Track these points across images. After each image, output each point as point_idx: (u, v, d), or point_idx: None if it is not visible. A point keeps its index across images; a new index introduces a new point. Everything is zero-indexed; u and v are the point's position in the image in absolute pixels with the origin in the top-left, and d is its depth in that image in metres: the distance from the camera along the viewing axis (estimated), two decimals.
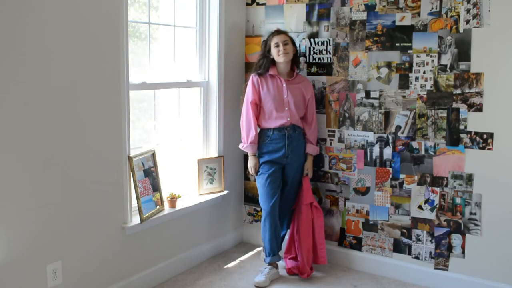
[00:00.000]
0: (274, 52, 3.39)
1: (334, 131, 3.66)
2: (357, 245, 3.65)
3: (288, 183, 3.51)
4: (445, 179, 3.28)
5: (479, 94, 3.11)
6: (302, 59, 3.72)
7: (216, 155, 3.82)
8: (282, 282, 3.45)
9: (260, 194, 3.50)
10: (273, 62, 3.45)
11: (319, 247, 3.51)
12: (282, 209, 3.55)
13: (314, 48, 3.68)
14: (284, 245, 3.67)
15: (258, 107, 3.46)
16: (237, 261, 3.80)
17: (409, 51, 3.32)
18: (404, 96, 3.37)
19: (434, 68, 3.25)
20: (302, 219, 3.48)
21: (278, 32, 3.43)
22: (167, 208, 3.40)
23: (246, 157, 4.10)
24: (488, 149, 3.12)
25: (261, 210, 4.06)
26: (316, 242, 3.51)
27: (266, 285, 3.35)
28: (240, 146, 3.52)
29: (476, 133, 3.15)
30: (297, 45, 3.71)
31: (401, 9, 3.32)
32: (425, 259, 3.40)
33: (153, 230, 3.28)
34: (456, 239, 3.28)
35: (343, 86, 3.59)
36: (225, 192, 3.85)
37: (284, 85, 3.41)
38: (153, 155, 3.31)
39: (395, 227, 3.49)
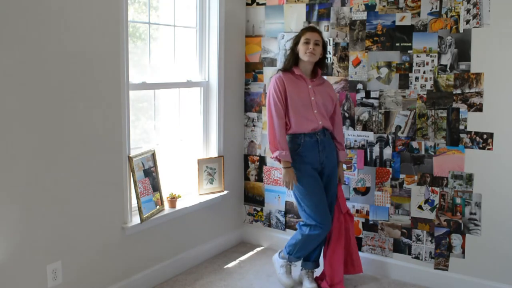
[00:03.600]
0: (301, 48, 3.13)
1: None
2: (357, 245, 3.63)
3: (325, 190, 3.23)
4: (445, 179, 3.28)
5: (479, 94, 3.11)
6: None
7: (216, 155, 3.82)
8: None
9: (309, 208, 3.18)
10: (297, 60, 3.21)
11: (355, 256, 3.31)
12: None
13: None
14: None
15: (284, 108, 3.16)
16: (237, 261, 3.80)
17: (409, 51, 3.32)
18: (404, 96, 3.37)
19: (434, 68, 3.25)
20: (337, 229, 3.23)
21: (312, 28, 3.20)
22: (167, 208, 3.40)
23: (246, 157, 4.10)
24: (488, 149, 3.12)
25: (261, 210, 4.07)
26: (352, 251, 3.30)
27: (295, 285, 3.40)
28: (274, 156, 3.12)
29: (476, 133, 3.15)
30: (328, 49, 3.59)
31: (401, 9, 3.32)
32: (425, 259, 3.40)
33: (153, 230, 3.28)
34: (456, 239, 3.28)
35: (343, 86, 3.59)
36: (225, 192, 3.85)
37: (309, 86, 3.18)
38: (153, 155, 3.31)
39: (395, 227, 3.49)
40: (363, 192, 3.59)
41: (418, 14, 3.27)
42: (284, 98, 3.14)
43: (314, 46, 3.12)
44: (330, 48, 3.61)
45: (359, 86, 3.53)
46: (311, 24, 3.40)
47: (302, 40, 3.15)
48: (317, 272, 3.42)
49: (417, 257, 3.43)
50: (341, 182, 3.37)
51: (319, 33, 3.20)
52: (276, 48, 3.85)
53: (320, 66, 3.27)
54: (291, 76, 3.20)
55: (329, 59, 3.62)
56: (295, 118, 3.14)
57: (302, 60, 3.17)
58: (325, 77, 3.63)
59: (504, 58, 3.02)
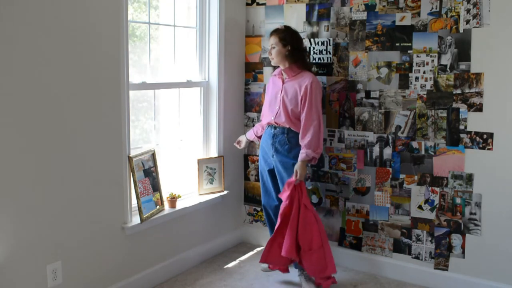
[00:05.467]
0: None
1: (334, 131, 3.66)
2: (357, 245, 3.64)
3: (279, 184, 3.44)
4: (445, 179, 3.28)
5: (479, 94, 3.11)
6: None
7: (216, 155, 3.82)
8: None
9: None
10: None
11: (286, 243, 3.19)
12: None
13: (314, 48, 3.68)
14: None
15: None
16: (237, 261, 3.80)
17: (409, 51, 3.32)
18: (404, 96, 3.37)
19: (434, 68, 3.25)
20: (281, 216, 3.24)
21: (271, 33, 3.37)
22: (167, 208, 3.40)
23: (246, 157, 4.11)
24: (488, 149, 3.12)
25: (261, 210, 4.08)
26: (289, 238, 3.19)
27: (271, 270, 3.58)
28: None
29: (476, 133, 3.15)
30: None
31: (401, 9, 3.32)
32: (425, 259, 3.40)
33: (153, 230, 3.28)
34: (456, 239, 3.28)
35: (343, 86, 3.59)
36: (225, 192, 3.85)
37: (281, 83, 3.37)
38: (153, 155, 3.31)
39: (395, 227, 3.49)
40: (363, 192, 3.59)
41: (418, 14, 3.27)
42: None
43: (271, 51, 3.34)
44: (330, 48, 3.61)
45: (359, 86, 3.53)
46: (275, 27, 3.43)
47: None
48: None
49: (417, 257, 3.43)
50: (296, 177, 3.18)
51: (275, 33, 3.34)
52: None
53: (299, 60, 3.32)
54: (274, 77, 3.49)
55: (329, 59, 3.62)
56: (264, 109, 3.52)
57: None
58: (324, 77, 3.64)
59: (504, 58, 3.02)
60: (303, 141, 3.23)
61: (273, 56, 3.34)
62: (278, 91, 3.38)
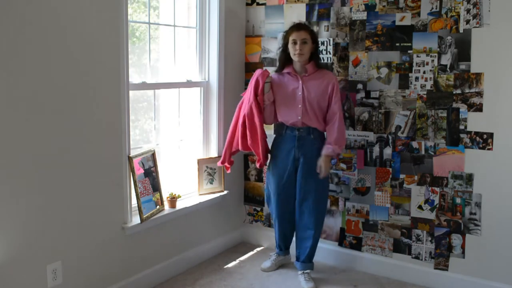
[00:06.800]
0: (290, 49, 3.22)
1: None
2: (357, 245, 3.64)
3: (297, 190, 3.31)
4: (445, 179, 3.28)
5: (479, 94, 3.11)
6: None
7: (216, 155, 3.82)
8: (288, 269, 3.57)
9: (271, 202, 3.51)
10: (290, 58, 3.28)
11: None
12: (305, 220, 3.36)
13: None
14: None
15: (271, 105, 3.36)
16: (237, 261, 3.80)
17: (409, 51, 3.32)
18: (404, 96, 3.37)
19: (434, 68, 3.25)
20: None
21: (298, 27, 3.21)
22: (167, 208, 3.40)
23: (246, 157, 4.11)
24: (488, 149, 3.12)
25: (261, 210, 4.08)
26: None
27: (271, 270, 3.59)
28: None
29: (476, 133, 3.15)
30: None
31: (401, 9, 3.32)
32: (425, 259, 3.40)
33: (153, 230, 3.28)
34: (456, 239, 3.28)
35: (343, 86, 3.59)
36: (225, 192, 3.85)
37: (300, 81, 3.26)
38: (153, 155, 3.31)
39: (395, 227, 3.49)
40: (363, 192, 3.59)
41: (418, 14, 3.27)
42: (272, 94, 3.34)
43: (302, 46, 3.18)
44: (330, 48, 3.61)
45: (359, 86, 3.53)
46: (298, 21, 3.37)
47: (290, 40, 3.22)
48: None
49: (417, 257, 3.43)
50: (320, 175, 3.22)
51: (306, 29, 3.24)
52: (276, 48, 3.85)
53: (314, 59, 3.30)
54: (281, 76, 3.35)
55: (329, 59, 3.62)
56: (280, 109, 3.32)
57: (293, 60, 3.28)
58: None
59: (504, 58, 3.02)
60: (330, 136, 3.21)
61: (304, 52, 3.18)
62: (297, 89, 3.26)
